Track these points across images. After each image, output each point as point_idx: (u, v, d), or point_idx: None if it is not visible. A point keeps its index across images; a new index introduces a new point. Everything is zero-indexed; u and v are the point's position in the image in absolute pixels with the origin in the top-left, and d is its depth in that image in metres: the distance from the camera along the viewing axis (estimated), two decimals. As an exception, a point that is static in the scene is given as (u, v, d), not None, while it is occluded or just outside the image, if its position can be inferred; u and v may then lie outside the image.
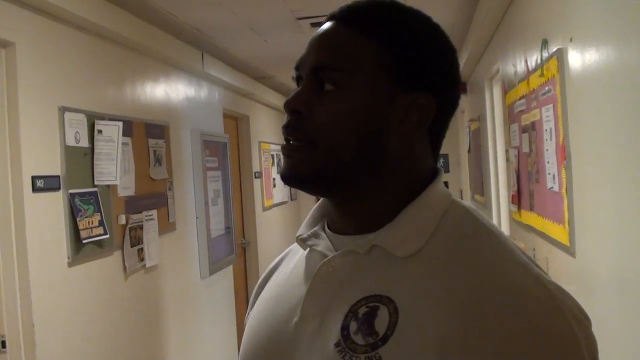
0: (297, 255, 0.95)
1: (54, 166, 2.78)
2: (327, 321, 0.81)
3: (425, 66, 0.83)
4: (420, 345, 0.73)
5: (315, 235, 0.90)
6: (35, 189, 2.61)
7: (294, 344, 0.83)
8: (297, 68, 0.86)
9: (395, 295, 0.77)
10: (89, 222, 2.94)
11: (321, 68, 0.82)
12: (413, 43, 0.83)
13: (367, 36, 0.82)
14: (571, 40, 2.12)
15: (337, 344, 0.78)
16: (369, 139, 0.81)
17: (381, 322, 0.76)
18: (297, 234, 0.92)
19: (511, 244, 0.82)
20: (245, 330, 0.97)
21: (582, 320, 0.75)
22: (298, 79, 0.86)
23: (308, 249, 0.90)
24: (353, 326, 0.78)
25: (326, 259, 0.84)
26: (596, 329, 0.77)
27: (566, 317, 0.73)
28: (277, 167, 7.42)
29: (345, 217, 0.86)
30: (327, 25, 0.85)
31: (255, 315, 0.95)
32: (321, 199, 0.92)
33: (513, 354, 0.70)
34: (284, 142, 0.85)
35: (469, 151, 6.52)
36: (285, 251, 1.03)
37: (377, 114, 0.81)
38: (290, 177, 0.84)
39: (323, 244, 0.88)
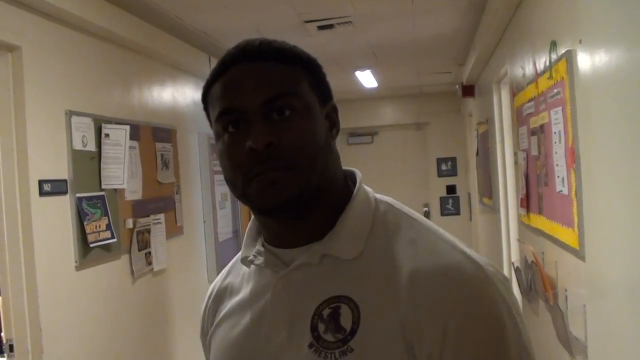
0: (242, 272, 1.03)
1: (61, 170, 2.78)
2: (295, 328, 0.90)
3: (324, 81, 0.98)
4: (385, 330, 0.85)
5: (260, 254, 0.98)
6: (42, 193, 2.61)
7: (268, 354, 0.92)
8: (231, 111, 0.90)
9: (351, 293, 0.88)
10: (96, 226, 2.94)
11: (277, 97, 0.89)
12: (314, 66, 0.97)
13: (295, 67, 0.93)
14: (580, 42, 2.10)
15: (311, 345, 0.88)
16: (326, 150, 0.93)
17: (346, 318, 0.87)
18: (242, 255, 1.00)
19: (433, 225, 0.95)
20: (213, 349, 1.02)
21: (504, 282, 0.89)
22: (235, 122, 0.90)
23: (253, 266, 0.99)
24: (321, 327, 0.88)
25: (281, 274, 0.93)
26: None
27: (495, 284, 0.87)
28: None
29: (294, 232, 0.94)
30: (252, 66, 0.92)
31: (222, 332, 1.01)
32: (252, 218, 1.00)
33: (459, 322, 0.83)
34: (244, 179, 0.89)
35: (477, 154, 6.50)
36: (227, 269, 1.10)
37: (323, 126, 0.94)
38: (279, 204, 0.88)
39: (271, 260, 0.96)
